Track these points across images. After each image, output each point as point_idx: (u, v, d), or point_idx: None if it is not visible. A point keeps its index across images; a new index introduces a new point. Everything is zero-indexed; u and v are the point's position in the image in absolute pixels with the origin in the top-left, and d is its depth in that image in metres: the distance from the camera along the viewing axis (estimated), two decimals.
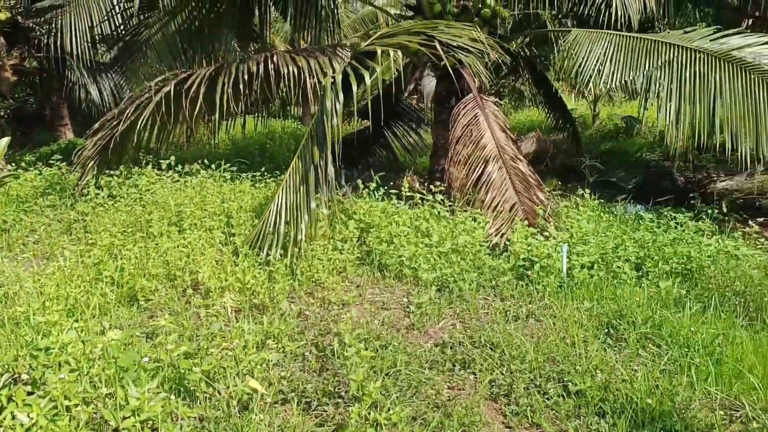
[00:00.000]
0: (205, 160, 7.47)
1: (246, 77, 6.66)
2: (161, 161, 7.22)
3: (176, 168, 7.14)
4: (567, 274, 5.18)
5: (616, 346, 4.11)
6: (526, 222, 6.07)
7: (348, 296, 4.82)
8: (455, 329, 4.36)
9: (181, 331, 4.01)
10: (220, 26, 8.87)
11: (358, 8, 14.79)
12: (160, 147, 7.84)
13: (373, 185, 6.61)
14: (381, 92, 8.47)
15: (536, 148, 15.55)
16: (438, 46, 5.94)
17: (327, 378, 3.58)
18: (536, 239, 5.58)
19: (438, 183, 6.96)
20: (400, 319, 4.58)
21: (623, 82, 7.07)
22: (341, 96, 5.26)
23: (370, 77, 5.44)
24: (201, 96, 6.44)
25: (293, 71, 6.75)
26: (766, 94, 6.14)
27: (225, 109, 6.53)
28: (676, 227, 6.01)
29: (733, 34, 6.81)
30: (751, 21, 10.27)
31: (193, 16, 8.79)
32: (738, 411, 3.38)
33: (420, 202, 6.49)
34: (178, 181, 6.92)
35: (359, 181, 6.78)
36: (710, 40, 6.72)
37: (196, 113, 6.73)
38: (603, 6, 9.55)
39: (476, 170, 6.70)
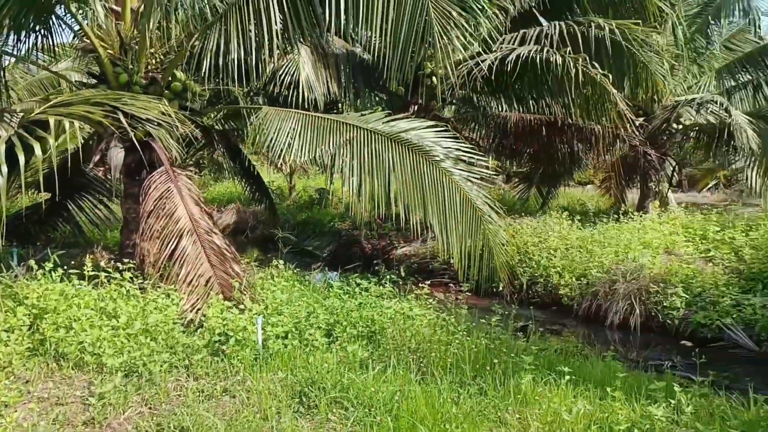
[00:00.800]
0: None
1: None
2: None
3: None
4: (262, 345, 5.22)
5: (308, 414, 4.22)
6: (221, 295, 5.99)
7: (11, 395, 4.17)
8: (143, 417, 4.05)
9: None
10: None
11: (36, 71, 13.49)
12: None
13: (49, 265, 5.93)
14: (59, 163, 7.77)
15: (237, 219, 15.76)
16: (123, 119, 5.70)
17: None
18: (232, 313, 5.54)
19: (128, 259, 6.55)
20: (77, 414, 4.10)
21: (313, 157, 7.55)
22: (5, 168, 4.70)
23: (44, 150, 4.98)
24: None
25: None
26: (428, 170, 7.05)
27: None
28: (361, 293, 6.49)
29: (402, 118, 7.76)
30: (416, 107, 11.88)
31: None
32: None
33: (106, 281, 6.01)
34: None
35: (32, 262, 6.03)
36: (383, 123, 7.55)
37: None
38: (292, 87, 10.24)
39: (170, 244, 6.46)
